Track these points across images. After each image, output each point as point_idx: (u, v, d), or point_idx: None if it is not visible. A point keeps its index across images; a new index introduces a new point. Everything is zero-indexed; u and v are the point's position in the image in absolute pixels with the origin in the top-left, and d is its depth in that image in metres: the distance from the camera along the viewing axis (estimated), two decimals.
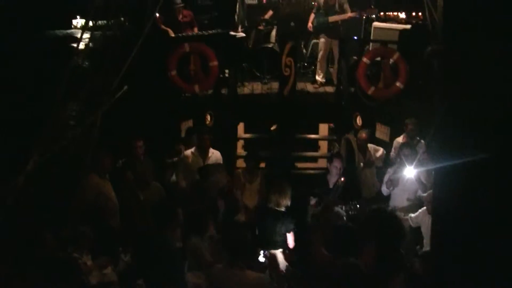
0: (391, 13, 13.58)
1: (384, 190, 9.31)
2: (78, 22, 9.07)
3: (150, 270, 5.99)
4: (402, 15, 13.58)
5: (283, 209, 7.74)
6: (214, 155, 9.52)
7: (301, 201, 8.27)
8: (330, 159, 9.09)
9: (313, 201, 8.36)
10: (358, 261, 5.16)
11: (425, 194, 8.43)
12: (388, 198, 9.29)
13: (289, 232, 7.68)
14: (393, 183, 9.06)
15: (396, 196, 9.16)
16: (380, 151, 10.36)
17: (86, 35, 8.17)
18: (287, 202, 7.73)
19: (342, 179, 8.49)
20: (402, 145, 9.52)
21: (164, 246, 6.17)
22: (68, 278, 5.17)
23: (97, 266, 5.65)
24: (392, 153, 10.27)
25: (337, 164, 8.89)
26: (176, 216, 6.53)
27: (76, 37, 8.60)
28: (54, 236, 5.70)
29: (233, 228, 6.46)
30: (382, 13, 13.60)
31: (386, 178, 9.30)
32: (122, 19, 9.98)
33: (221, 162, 9.59)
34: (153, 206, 7.13)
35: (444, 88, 4.88)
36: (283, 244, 7.63)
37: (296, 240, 7.70)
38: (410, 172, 8.71)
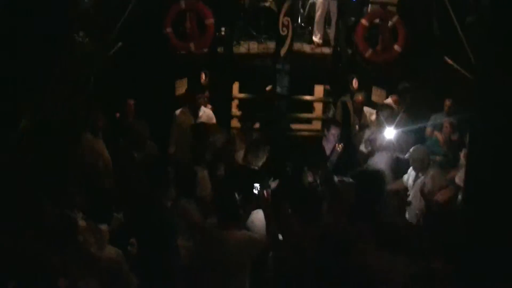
0: None
1: (363, 149, 9.31)
2: None
3: (142, 229, 5.99)
4: None
5: (256, 167, 7.77)
6: (206, 113, 9.50)
7: (295, 168, 8.22)
8: (327, 126, 9.01)
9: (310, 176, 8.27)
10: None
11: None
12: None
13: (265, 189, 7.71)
14: (372, 143, 9.06)
15: (376, 158, 9.12)
16: (375, 114, 10.33)
17: None
18: (258, 162, 7.80)
19: (340, 145, 8.48)
20: (381, 106, 9.54)
21: (156, 205, 6.19)
22: (67, 240, 5.16)
23: (90, 227, 5.62)
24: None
25: (334, 131, 8.90)
26: (167, 175, 6.51)
27: None
28: (51, 198, 5.66)
29: (222, 189, 6.41)
30: None
31: (365, 137, 9.31)
32: None
33: (214, 120, 9.56)
34: (145, 165, 7.17)
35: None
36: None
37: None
38: (389, 133, 8.72)
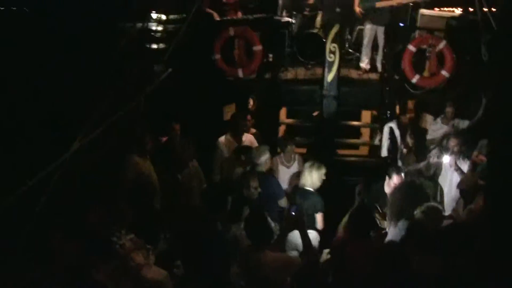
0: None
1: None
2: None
3: (194, 253, 6.04)
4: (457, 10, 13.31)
5: (311, 189, 7.78)
6: (248, 139, 9.54)
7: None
8: (389, 173, 8.49)
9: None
10: None
11: None
12: None
13: (317, 212, 7.74)
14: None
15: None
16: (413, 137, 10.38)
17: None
18: (317, 182, 7.90)
19: None
20: (447, 137, 9.46)
21: (211, 231, 6.24)
22: (105, 257, 5.27)
23: (136, 247, 5.72)
24: (429, 136, 10.25)
25: (396, 181, 7.88)
26: (227, 204, 6.65)
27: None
28: (99, 216, 5.79)
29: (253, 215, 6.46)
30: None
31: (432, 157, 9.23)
32: None
33: (256, 145, 9.62)
34: (204, 191, 7.36)
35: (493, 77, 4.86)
36: (311, 224, 7.68)
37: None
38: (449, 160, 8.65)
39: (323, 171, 8.00)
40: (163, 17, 8.30)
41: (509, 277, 4.24)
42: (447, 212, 8.04)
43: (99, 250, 5.29)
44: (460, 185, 8.33)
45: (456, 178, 8.75)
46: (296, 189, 8.18)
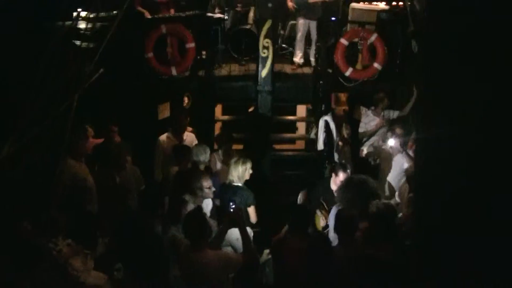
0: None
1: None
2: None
3: (130, 254, 5.95)
4: (382, 5, 13.52)
5: (240, 184, 7.86)
6: (189, 137, 9.48)
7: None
8: (335, 170, 8.44)
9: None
10: None
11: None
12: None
13: (249, 206, 7.74)
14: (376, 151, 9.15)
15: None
16: (349, 128, 10.48)
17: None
18: (244, 177, 7.93)
19: None
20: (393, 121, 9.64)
21: (149, 232, 6.15)
22: (41, 265, 5.13)
23: (74, 253, 5.59)
24: (360, 129, 10.40)
25: (342, 178, 7.78)
26: (163, 205, 6.55)
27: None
28: (32, 223, 5.63)
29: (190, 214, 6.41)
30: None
31: (366, 147, 9.34)
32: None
33: (196, 143, 9.55)
34: (141, 192, 7.40)
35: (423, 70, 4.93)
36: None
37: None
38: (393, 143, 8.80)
39: (249, 165, 7.99)
40: (91, 15, 8.09)
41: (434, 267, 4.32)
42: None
43: (34, 257, 5.13)
44: (406, 171, 8.47)
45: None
46: (225, 186, 8.13)
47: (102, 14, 10.02)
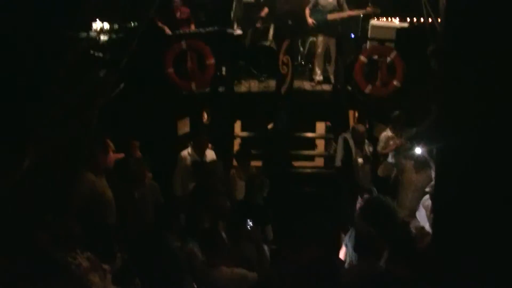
0: (384, 18, 13.54)
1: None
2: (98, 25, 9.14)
3: (147, 269, 5.95)
4: (396, 21, 13.55)
5: (257, 201, 7.86)
6: (209, 153, 9.46)
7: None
8: (361, 193, 8.81)
9: None
10: None
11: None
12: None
13: (266, 224, 7.71)
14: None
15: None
16: (371, 146, 10.42)
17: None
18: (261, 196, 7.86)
19: None
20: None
21: (166, 248, 6.15)
22: (58, 279, 5.13)
23: (93, 266, 5.59)
24: (379, 148, 10.32)
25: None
26: (178, 220, 6.54)
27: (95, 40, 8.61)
28: (50, 235, 5.64)
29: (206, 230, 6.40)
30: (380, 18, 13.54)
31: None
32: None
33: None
34: (159, 207, 7.46)
35: (442, 87, 4.91)
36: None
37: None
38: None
39: (267, 183, 7.98)
40: (107, 25, 8.18)
41: None
42: None
43: (53, 271, 5.14)
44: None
45: None
46: (242, 203, 8.10)
47: (118, 25, 10.12)
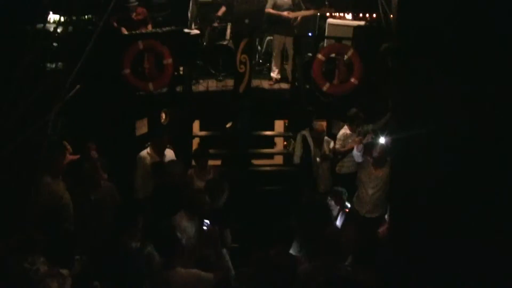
0: (337, 13, 13.62)
1: (357, 154, 9.47)
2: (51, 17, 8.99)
3: (107, 273, 5.91)
4: (349, 17, 13.66)
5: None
6: (168, 154, 9.41)
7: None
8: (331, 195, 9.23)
9: None
10: None
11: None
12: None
13: (224, 227, 7.65)
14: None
15: None
16: (332, 142, 10.49)
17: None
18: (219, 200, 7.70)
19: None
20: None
21: (124, 250, 6.13)
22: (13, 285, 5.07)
23: (52, 271, 5.53)
24: (338, 146, 10.39)
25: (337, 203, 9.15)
26: (137, 222, 6.51)
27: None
28: (5, 242, 5.57)
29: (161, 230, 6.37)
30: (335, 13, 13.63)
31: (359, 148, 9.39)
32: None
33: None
34: (117, 209, 7.24)
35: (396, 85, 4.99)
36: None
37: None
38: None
39: (226, 191, 7.92)
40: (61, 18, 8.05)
41: None
42: None
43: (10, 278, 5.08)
44: None
45: None
46: None
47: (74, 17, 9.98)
